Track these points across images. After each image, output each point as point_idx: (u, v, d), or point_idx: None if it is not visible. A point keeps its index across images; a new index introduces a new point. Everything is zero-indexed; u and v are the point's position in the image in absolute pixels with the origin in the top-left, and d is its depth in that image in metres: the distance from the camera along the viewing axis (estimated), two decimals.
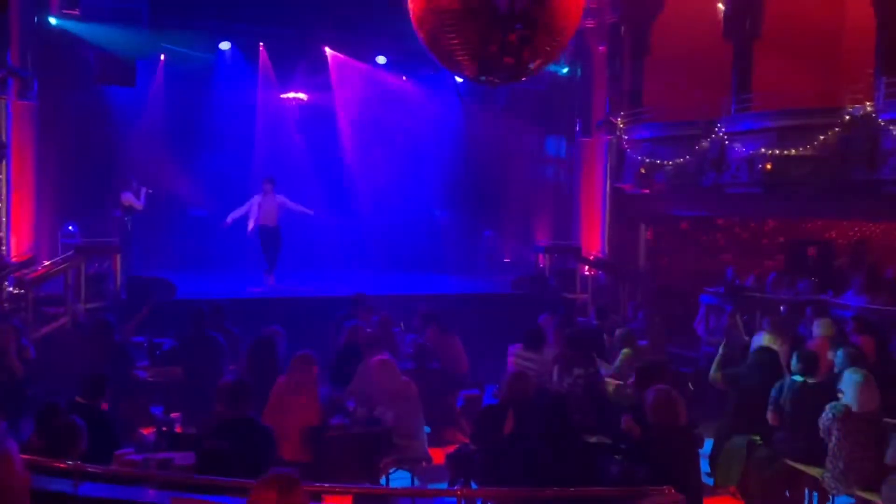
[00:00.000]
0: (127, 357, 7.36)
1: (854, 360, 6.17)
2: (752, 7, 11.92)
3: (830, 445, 5.43)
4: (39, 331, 9.25)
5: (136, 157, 12.96)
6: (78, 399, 5.23)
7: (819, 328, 8.00)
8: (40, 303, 9.92)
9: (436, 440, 6.88)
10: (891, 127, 9.88)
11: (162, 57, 13.45)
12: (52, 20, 11.74)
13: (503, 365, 7.41)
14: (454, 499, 3.58)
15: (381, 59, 14.40)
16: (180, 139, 13.74)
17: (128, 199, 11.52)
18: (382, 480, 6.03)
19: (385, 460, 6.05)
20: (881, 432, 5.32)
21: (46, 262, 10.45)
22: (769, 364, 6.62)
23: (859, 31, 11.55)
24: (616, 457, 5.18)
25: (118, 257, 10.81)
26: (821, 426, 5.50)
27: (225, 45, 13.61)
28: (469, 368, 8.35)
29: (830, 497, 5.74)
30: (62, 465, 3.85)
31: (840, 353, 6.49)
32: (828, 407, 5.49)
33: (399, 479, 6.30)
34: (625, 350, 7.37)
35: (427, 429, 6.52)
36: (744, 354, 7.27)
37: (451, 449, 6.22)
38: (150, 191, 11.65)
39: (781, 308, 9.70)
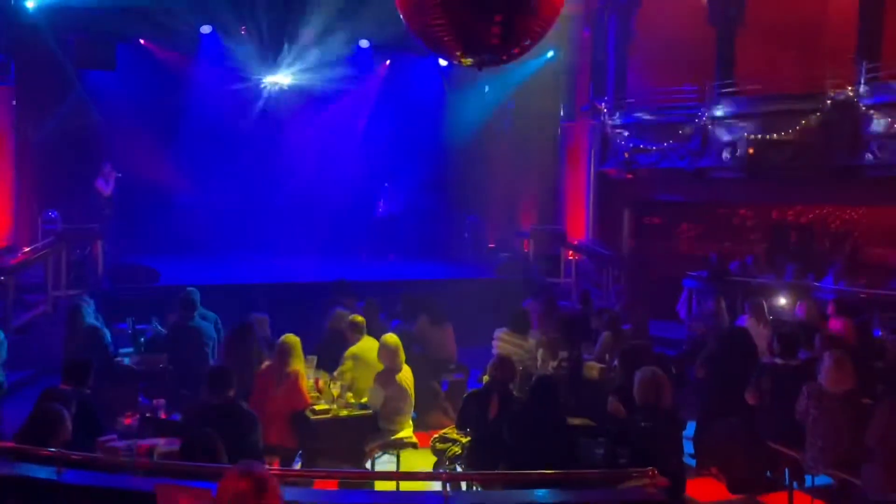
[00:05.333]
0: (101, 341, 7.22)
1: (832, 343, 6.25)
2: None
3: (808, 426, 5.51)
4: (20, 318, 9.18)
5: (117, 142, 12.82)
6: (61, 385, 5.19)
7: (799, 311, 8.10)
8: (21, 290, 9.82)
9: (421, 425, 6.90)
10: (872, 112, 9.97)
11: (143, 41, 13.28)
12: (30, 3, 11.53)
13: (488, 349, 7.43)
14: (439, 482, 3.59)
15: (363, 43, 14.30)
16: (162, 124, 13.61)
17: (100, 185, 11.42)
18: (368, 465, 6.05)
19: (371, 445, 6.07)
20: (859, 412, 5.39)
21: (27, 249, 10.33)
22: (745, 346, 6.70)
23: (841, 17, 11.61)
24: (600, 439, 5.22)
25: (100, 243, 10.71)
26: (797, 408, 5.57)
27: (206, 29, 13.46)
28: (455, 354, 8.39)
29: (810, 477, 5.82)
30: (45, 453, 3.82)
31: (818, 335, 6.58)
32: (804, 388, 5.57)
33: (385, 464, 6.33)
34: (606, 334, 7.42)
35: (413, 413, 6.54)
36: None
37: (436, 433, 6.25)
38: (119, 175, 11.49)
39: (768, 293, 9.78)
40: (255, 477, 2.45)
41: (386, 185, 14.71)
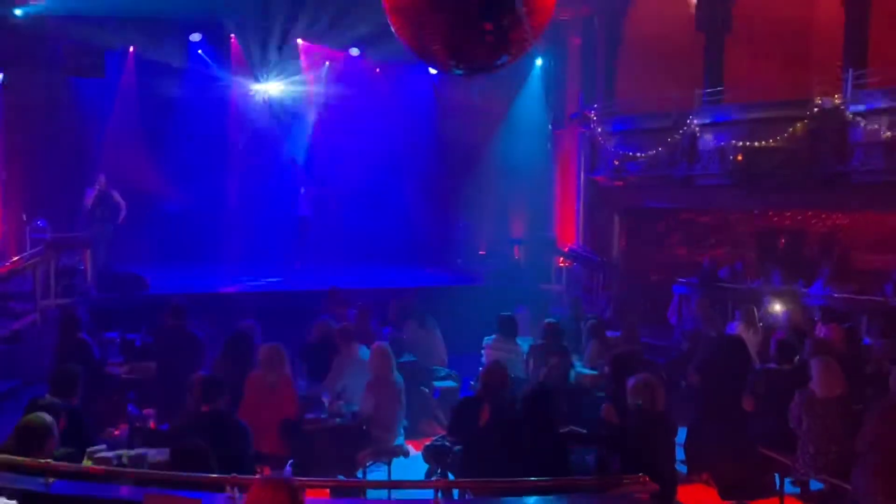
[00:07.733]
0: (90, 351, 7.17)
1: (821, 348, 6.29)
2: (723, 0, 12.06)
3: (800, 432, 5.53)
4: (8, 327, 9.11)
5: (106, 150, 12.75)
6: (49, 395, 5.15)
7: (788, 317, 8.14)
8: (9, 299, 9.74)
9: (413, 432, 6.89)
10: (859, 119, 10.04)
11: (131, 49, 13.25)
12: (18, 11, 11.48)
13: (479, 356, 7.44)
14: (431, 490, 3.58)
15: (354, 51, 14.31)
16: (151, 132, 13.56)
17: (86, 195, 11.29)
18: (360, 474, 6.02)
19: (362, 453, 6.04)
20: (850, 418, 5.41)
21: (15, 258, 10.25)
22: (738, 352, 6.72)
23: (828, 25, 11.71)
24: (591, 446, 5.22)
25: (88, 252, 10.64)
26: (790, 415, 5.59)
27: (195, 37, 13.44)
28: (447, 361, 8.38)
29: (801, 482, 5.83)
30: (34, 463, 3.79)
31: (808, 340, 6.62)
32: (796, 395, 5.59)
33: (376, 473, 6.30)
34: (593, 341, 7.44)
35: (404, 421, 6.53)
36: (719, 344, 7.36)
37: (427, 441, 6.23)
38: (95, 191, 11.30)
39: (757, 299, 9.82)
40: (292, 489, 2.44)
41: (302, 190, 13.93)
